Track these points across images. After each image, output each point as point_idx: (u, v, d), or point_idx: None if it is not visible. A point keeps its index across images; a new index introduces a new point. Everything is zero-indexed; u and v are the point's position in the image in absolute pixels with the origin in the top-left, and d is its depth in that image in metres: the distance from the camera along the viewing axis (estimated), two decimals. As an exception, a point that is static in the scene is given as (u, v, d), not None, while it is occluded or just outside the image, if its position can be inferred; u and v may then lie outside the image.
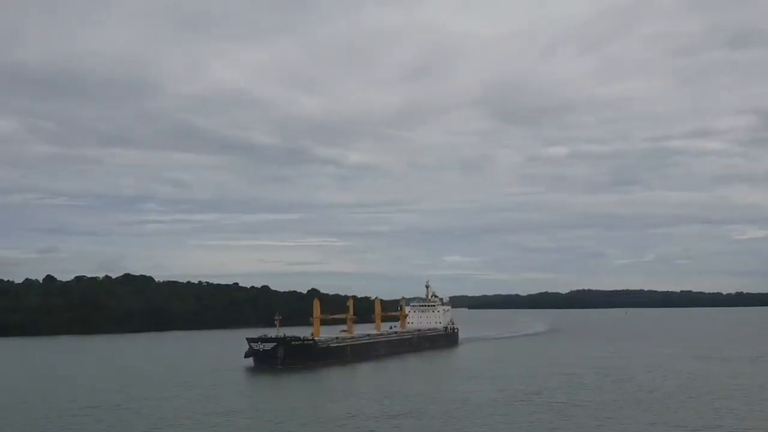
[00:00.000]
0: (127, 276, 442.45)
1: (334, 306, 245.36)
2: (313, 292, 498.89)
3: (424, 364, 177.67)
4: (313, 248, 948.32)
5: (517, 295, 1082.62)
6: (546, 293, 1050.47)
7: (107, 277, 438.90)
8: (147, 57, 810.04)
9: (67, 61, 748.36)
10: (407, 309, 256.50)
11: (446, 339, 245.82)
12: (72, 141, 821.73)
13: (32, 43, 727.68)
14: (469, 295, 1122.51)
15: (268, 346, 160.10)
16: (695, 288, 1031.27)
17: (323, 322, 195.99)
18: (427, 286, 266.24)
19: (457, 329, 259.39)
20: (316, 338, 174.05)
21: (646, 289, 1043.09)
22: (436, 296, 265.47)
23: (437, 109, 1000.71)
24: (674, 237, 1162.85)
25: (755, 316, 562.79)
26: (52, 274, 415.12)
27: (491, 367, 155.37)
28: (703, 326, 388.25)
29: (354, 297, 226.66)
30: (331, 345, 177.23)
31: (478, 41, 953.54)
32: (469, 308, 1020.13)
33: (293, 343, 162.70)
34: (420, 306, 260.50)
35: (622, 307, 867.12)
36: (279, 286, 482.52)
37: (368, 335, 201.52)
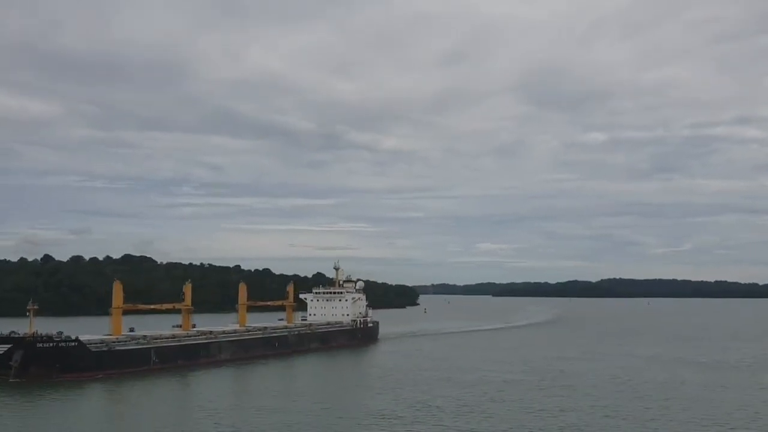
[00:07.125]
0: (126, 257, 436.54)
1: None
2: (319, 276, 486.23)
3: (287, 371, 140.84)
4: (343, 233, 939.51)
5: (545, 283, 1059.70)
6: (575, 281, 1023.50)
7: (108, 258, 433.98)
8: (186, 42, 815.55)
9: (107, 46, 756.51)
10: (308, 297, 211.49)
11: (350, 336, 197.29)
12: (112, 125, 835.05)
13: (74, 29, 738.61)
14: (497, 282, 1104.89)
15: (2, 348, 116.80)
16: (731, 278, 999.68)
17: (126, 312, 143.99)
18: (336, 268, 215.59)
19: (375, 323, 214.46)
20: (85, 337, 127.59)
21: (679, 278, 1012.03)
22: (350, 281, 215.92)
23: (474, 95, 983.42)
24: (713, 226, 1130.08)
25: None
26: (85, 255, 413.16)
27: (395, 372, 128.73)
28: (720, 320, 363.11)
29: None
30: (118, 348, 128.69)
31: (516, 26, 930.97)
32: (493, 295, 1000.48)
33: (39, 345, 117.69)
34: (323, 294, 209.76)
35: (655, 296, 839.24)
36: (292, 270, 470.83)
37: (210, 333, 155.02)
